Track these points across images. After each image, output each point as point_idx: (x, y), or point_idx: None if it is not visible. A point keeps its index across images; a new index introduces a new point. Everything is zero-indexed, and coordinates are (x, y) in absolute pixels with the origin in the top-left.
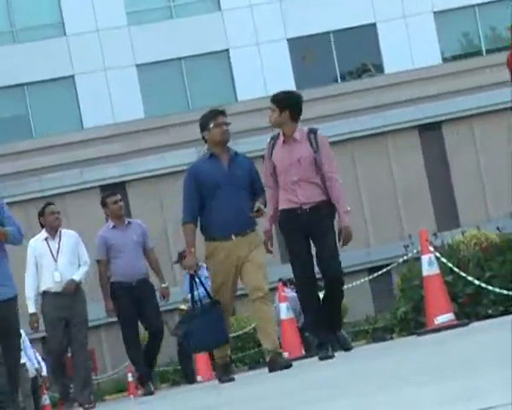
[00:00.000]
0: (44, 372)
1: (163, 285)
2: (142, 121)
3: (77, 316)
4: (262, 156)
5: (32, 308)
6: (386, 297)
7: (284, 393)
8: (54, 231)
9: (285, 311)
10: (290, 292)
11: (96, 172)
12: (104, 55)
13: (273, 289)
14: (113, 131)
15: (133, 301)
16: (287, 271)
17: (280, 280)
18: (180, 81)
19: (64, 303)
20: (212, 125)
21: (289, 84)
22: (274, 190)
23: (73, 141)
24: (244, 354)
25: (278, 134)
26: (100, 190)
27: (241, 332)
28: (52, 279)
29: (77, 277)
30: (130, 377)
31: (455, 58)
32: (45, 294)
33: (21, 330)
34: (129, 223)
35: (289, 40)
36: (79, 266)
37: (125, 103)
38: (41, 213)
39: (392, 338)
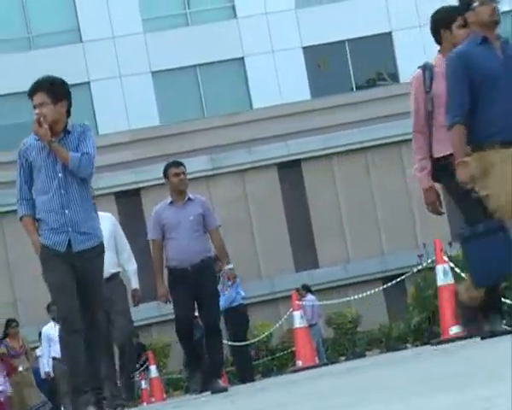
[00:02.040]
0: None
1: (228, 267)
2: (158, 128)
3: (115, 305)
4: (276, 164)
5: None
6: (400, 307)
7: (300, 399)
8: None
9: (299, 319)
10: (307, 300)
11: (111, 179)
12: (120, 62)
13: (287, 298)
14: (128, 137)
15: (189, 289)
16: (301, 279)
17: (297, 290)
18: (195, 88)
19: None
20: None
21: (304, 93)
22: (426, 137)
23: None
24: (258, 363)
25: (431, 64)
26: (114, 197)
27: (254, 340)
28: None
29: (135, 284)
30: (143, 385)
31: None
32: None
33: None
34: (189, 199)
35: (305, 48)
36: (117, 252)
37: (140, 110)
38: None
39: (406, 348)
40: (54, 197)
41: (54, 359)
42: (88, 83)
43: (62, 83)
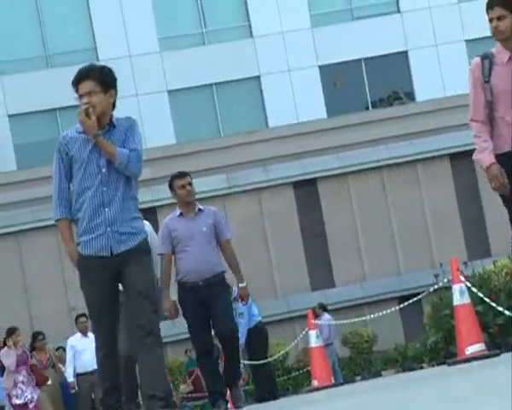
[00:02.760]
0: None
1: (240, 285)
2: (174, 147)
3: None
4: (292, 183)
5: None
6: (416, 326)
7: None
8: None
9: (314, 338)
10: (323, 319)
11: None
12: (136, 81)
13: (303, 317)
14: (144, 156)
15: (201, 305)
16: (317, 297)
17: (313, 309)
18: (211, 107)
19: None
20: None
21: (320, 111)
22: (487, 126)
23: None
24: None
25: (491, 53)
26: None
27: (269, 359)
28: None
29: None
30: None
31: None
32: None
33: None
34: (200, 210)
35: (320, 67)
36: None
37: (156, 129)
38: None
39: (422, 368)
40: (95, 195)
41: (78, 374)
42: None
43: (111, 71)
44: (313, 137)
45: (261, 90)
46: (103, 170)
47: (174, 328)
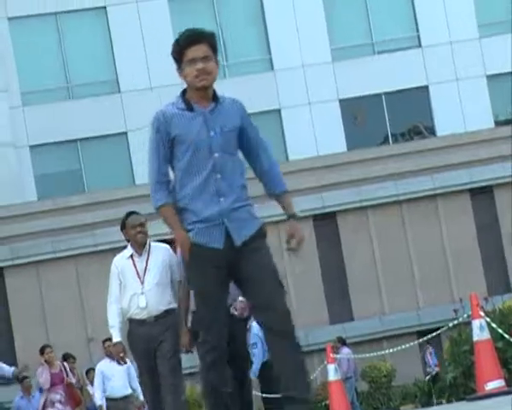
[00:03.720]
0: None
1: (239, 299)
2: None
3: (164, 346)
4: (311, 216)
5: (117, 336)
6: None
7: None
8: (140, 247)
9: (333, 372)
10: (342, 352)
11: (150, 228)
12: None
13: (322, 350)
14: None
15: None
16: (336, 331)
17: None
18: None
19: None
20: None
21: (340, 145)
22: None
23: (126, 196)
24: None
25: None
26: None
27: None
28: (137, 305)
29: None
30: None
31: (508, 122)
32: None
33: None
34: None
35: (341, 101)
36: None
37: None
38: (122, 226)
39: (441, 403)
40: (208, 182)
41: (108, 399)
42: (125, 133)
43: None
44: (333, 171)
45: (281, 123)
46: (216, 154)
47: (191, 359)
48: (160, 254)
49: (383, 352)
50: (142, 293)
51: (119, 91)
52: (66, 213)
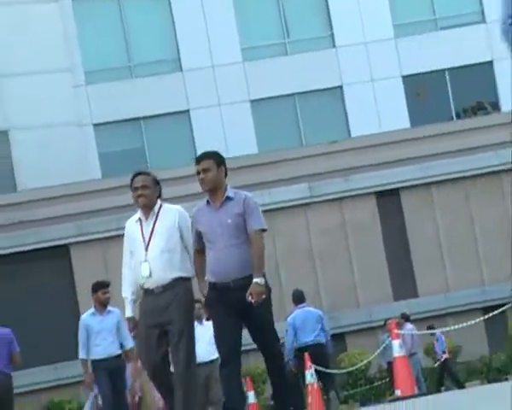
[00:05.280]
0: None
1: (254, 280)
2: (256, 156)
3: (175, 322)
4: (375, 193)
5: (128, 311)
6: (500, 338)
7: None
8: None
9: (397, 348)
10: (405, 329)
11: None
12: (219, 91)
13: (384, 326)
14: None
15: (232, 310)
16: (400, 308)
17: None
18: (294, 117)
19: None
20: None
21: (403, 121)
22: None
23: (188, 174)
24: (355, 391)
25: None
26: None
27: (352, 369)
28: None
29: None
30: None
31: None
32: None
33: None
34: (228, 198)
35: (404, 77)
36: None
37: (238, 138)
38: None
39: (506, 379)
40: None
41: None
42: (187, 111)
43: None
44: (396, 147)
45: (344, 100)
46: None
47: None
48: (168, 217)
49: (448, 328)
50: (146, 260)
51: (181, 70)
52: (129, 191)
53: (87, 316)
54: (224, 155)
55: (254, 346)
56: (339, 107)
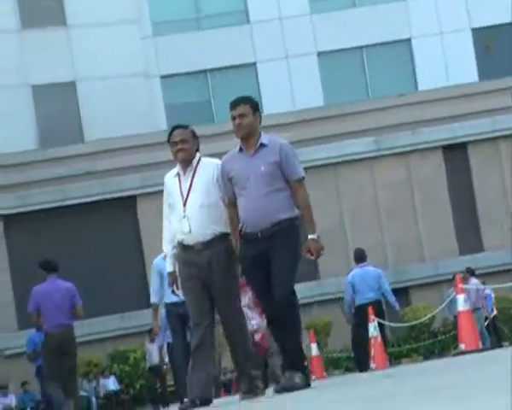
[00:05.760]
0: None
1: (309, 236)
2: (322, 109)
3: (215, 281)
4: (442, 147)
5: (169, 266)
6: None
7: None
8: (185, 164)
9: (462, 303)
10: (471, 283)
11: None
12: (286, 43)
13: (450, 281)
14: (292, 118)
15: (260, 261)
16: (465, 262)
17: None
18: (361, 70)
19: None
20: None
21: (472, 75)
22: None
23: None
24: (419, 345)
25: None
26: None
27: (415, 322)
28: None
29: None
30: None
31: None
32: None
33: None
34: (262, 145)
35: (473, 30)
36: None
37: (305, 91)
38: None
39: None
40: None
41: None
42: (254, 63)
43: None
44: (464, 101)
45: (412, 53)
46: None
47: (320, 287)
48: (206, 171)
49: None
50: (185, 216)
51: (249, 22)
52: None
53: (159, 260)
54: (291, 107)
55: (318, 298)
56: (407, 60)
